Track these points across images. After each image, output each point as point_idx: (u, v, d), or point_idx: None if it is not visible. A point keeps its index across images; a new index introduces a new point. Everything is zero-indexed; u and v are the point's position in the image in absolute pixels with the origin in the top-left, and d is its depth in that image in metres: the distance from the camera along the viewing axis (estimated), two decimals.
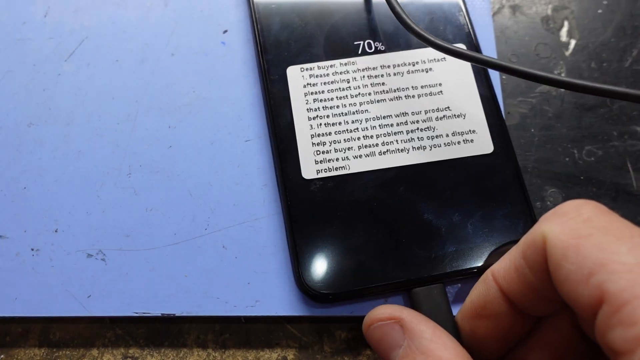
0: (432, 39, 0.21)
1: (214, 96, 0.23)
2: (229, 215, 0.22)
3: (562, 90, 0.24)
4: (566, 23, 0.25)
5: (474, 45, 0.23)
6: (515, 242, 0.16)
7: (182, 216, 0.22)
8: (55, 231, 0.21)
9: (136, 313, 0.20)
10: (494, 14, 0.25)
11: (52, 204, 0.22)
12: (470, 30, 0.24)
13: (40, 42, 0.24)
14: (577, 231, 0.13)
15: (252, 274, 0.21)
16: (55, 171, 0.22)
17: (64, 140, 0.23)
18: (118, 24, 0.25)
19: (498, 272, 0.16)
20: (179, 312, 0.20)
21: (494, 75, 0.24)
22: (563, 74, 0.24)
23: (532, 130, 0.24)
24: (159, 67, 0.24)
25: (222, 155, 0.23)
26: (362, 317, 0.18)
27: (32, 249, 0.21)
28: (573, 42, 0.25)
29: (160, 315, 0.20)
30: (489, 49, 0.24)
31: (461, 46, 0.23)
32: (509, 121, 0.24)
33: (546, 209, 0.22)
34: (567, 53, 0.25)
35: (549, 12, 0.26)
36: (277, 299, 0.20)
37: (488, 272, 0.16)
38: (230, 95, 0.23)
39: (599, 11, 0.26)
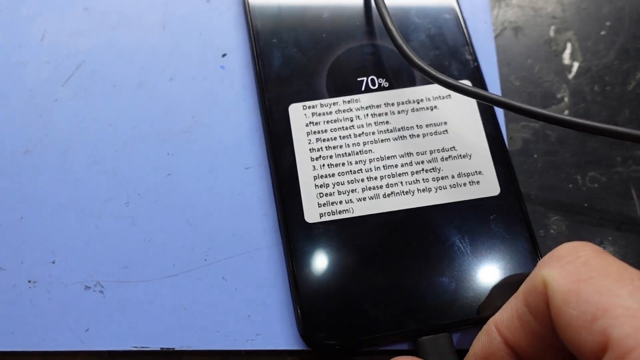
0: (440, 76, 0.20)
1: (213, 122, 0.23)
2: (228, 246, 0.21)
3: (566, 113, 0.24)
4: (569, 45, 0.25)
5: (477, 75, 0.23)
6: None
7: (181, 246, 0.21)
8: (53, 262, 0.21)
9: (135, 347, 0.20)
10: (496, 36, 0.25)
11: (50, 234, 0.22)
12: (472, 58, 0.23)
13: (37, 66, 0.24)
14: (576, 275, 0.13)
15: (252, 307, 0.20)
16: (53, 200, 0.22)
17: (61, 168, 0.22)
18: (115, 47, 0.24)
19: (501, 322, 0.15)
20: (178, 346, 0.20)
21: None
22: (566, 98, 0.24)
23: (535, 156, 0.23)
24: (157, 92, 0.24)
25: (221, 184, 0.22)
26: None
27: (29, 281, 0.21)
28: (576, 65, 0.25)
29: (159, 349, 0.20)
30: (491, 73, 0.24)
31: (466, 81, 0.23)
32: (511, 146, 0.23)
33: (550, 237, 0.22)
34: (570, 76, 0.25)
35: (552, 34, 0.25)
36: (278, 332, 0.20)
37: (490, 323, 0.16)
38: (229, 121, 0.23)
39: (602, 33, 0.25)
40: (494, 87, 0.24)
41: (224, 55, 0.24)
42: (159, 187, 0.22)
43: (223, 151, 0.23)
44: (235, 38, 0.25)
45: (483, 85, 0.23)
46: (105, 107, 0.23)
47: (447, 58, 0.23)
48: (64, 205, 0.22)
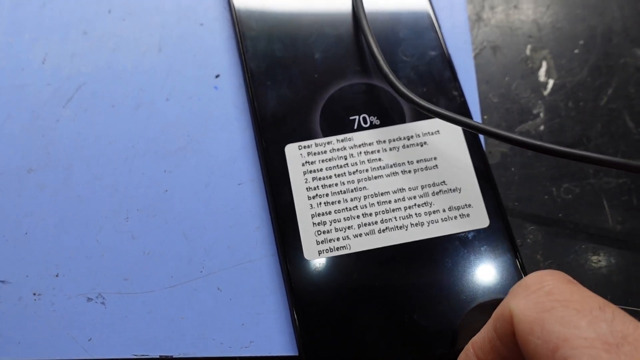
0: (435, 108, 0.22)
1: (208, 140, 0.24)
2: (223, 258, 0.23)
3: (541, 128, 0.25)
4: (544, 63, 0.27)
5: (463, 110, 0.24)
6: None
7: (179, 259, 0.23)
8: (57, 276, 0.22)
9: (135, 355, 0.21)
10: (476, 55, 0.27)
11: (53, 249, 0.23)
12: (459, 93, 0.24)
13: (39, 88, 0.25)
14: (540, 305, 0.14)
15: (246, 316, 0.22)
16: (56, 216, 0.23)
17: (63, 185, 0.24)
18: (114, 69, 0.26)
19: (476, 343, 0.17)
20: (176, 354, 0.21)
21: (476, 116, 0.25)
22: (542, 114, 0.26)
23: (513, 169, 0.25)
24: (154, 111, 0.25)
25: (216, 198, 0.23)
26: None
27: (34, 294, 0.22)
28: (551, 82, 0.26)
29: (158, 357, 0.21)
30: (470, 90, 0.25)
31: (452, 112, 0.23)
32: (490, 160, 0.25)
33: (526, 246, 0.23)
34: (546, 93, 0.26)
35: (528, 52, 0.27)
36: (271, 339, 0.21)
37: (469, 343, 0.17)
38: (223, 138, 0.24)
39: (576, 51, 0.27)
40: (474, 105, 0.25)
41: (217, 76, 0.26)
42: (157, 203, 0.23)
43: (217, 168, 0.24)
44: (227, 60, 0.26)
45: (467, 115, 0.24)
46: (105, 127, 0.25)
47: (434, 95, 0.24)
48: (66, 220, 0.23)
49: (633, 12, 0.27)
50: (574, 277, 0.22)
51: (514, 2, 0.28)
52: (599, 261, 0.23)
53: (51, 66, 0.26)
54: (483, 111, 0.25)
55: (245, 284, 0.22)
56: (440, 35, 0.25)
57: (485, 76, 0.26)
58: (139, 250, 0.23)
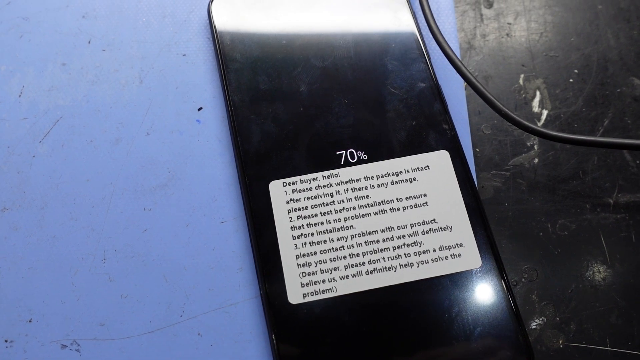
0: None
1: (189, 176, 0.23)
2: (204, 301, 0.22)
3: (535, 161, 0.24)
4: (538, 93, 0.26)
5: (454, 144, 0.23)
6: None
7: (158, 303, 0.22)
8: (30, 321, 0.21)
9: None
10: (467, 86, 0.26)
11: (26, 293, 0.22)
12: (449, 127, 0.23)
13: (15, 123, 0.24)
14: None
15: None
16: (30, 258, 0.22)
17: (38, 225, 0.23)
18: (92, 102, 0.25)
19: None
20: None
21: (467, 149, 0.24)
22: (536, 146, 0.25)
23: (506, 204, 0.24)
24: (134, 147, 0.24)
25: (197, 238, 0.23)
26: None
27: (6, 341, 0.21)
28: (545, 113, 0.25)
29: None
30: (461, 122, 0.25)
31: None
32: (482, 195, 0.24)
33: (522, 286, 0.22)
34: (540, 124, 0.25)
35: (521, 82, 0.26)
36: None
37: None
38: (205, 175, 0.24)
39: (570, 80, 0.26)
40: (465, 137, 0.24)
41: (200, 109, 0.25)
42: (135, 243, 0.22)
43: (199, 205, 0.23)
44: (210, 92, 0.25)
45: (461, 154, 0.23)
46: (83, 163, 0.24)
47: (424, 128, 0.23)
48: (40, 262, 0.22)
49: (629, 40, 0.27)
50: (572, 318, 0.22)
51: (506, 30, 0.27)
52: (598, 302, 0.22)
53: (28, 99, 0.25)
54: (475, 144, 0.25)
55: (227, 329, 0.21)
56: (429, 66, 0.25)
57: (477, 107, 0.25)
58: (116, 293, 0.22)
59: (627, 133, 0.25)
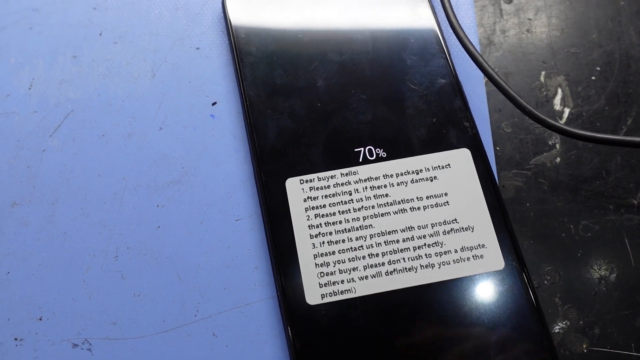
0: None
1: (203, 172, 0.23)
2: (219, 300, 0.21)
3: (557, 160, 0.24)
4: (559, 91, 0.25)
5: (475, 142, 0.23)
6: None
7: (171, 301, 0.21)
8: (40, 319, 0.21)
9: None
10: (487, 82, 0.25)
11: (37, 290, 0.21)
12: (470, 124, 0.23)
13: (25, 116, 0.24)
14: None
15: None
16: (40, 254, 0.22)
17: (48, 221, 0.22)
18: (104, 96, 0.24)
19: None
20: None
21: (488, 148, 0.24)
22: (558, 145, 0.24)
23: (528, 205, 0.23)
24: (147, 142, 0.23)
25: (211, 236, 0.22)
26: None
27: (16, 339, 0.20)
28: (567, 111, 0.25)
29: None
30: (482, 119, 0.24)
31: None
32: (503, 195, 0.23)
33: (544, 288, 0.22)
34: (562, 122, 0.25)
35: (542, 79, 0.25)
36: None
37: None
38: (219, 171, 0.23)
39: (592, 78, 0.25)
40: (486, 135, 0.24)
41: (214, 103, 0.24)
42: (148, 240, 0.22)
43: (213, 202, 0.22)
44: (225, 86, 0.24)
45: (482, 152, 0.22)
46: (94, 158, 0.23)
47: (444, 125, 0.23)
48: (51, 259, 0.22)
49: None
50: (596, 322, 0.21)
51: (526, 26, 0.26)
52: (622, 305, 0.22)
53: (38, 93, 0.24)
54: (495, 142, 0.24)
55: (243, 330, 0.21)
56: (450, 62, 0.24)
57: (497, 104, 0.25)
58: (129, 291, 0.21)
59: None
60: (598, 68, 0.26)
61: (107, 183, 0.23)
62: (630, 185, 0.23)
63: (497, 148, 0.24)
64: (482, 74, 0.25)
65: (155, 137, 0.23)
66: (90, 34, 0.25)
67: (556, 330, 0.21)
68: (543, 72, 0.26)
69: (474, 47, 0.23)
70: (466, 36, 0.23)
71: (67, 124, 0.24)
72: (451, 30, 0.24)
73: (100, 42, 0.25)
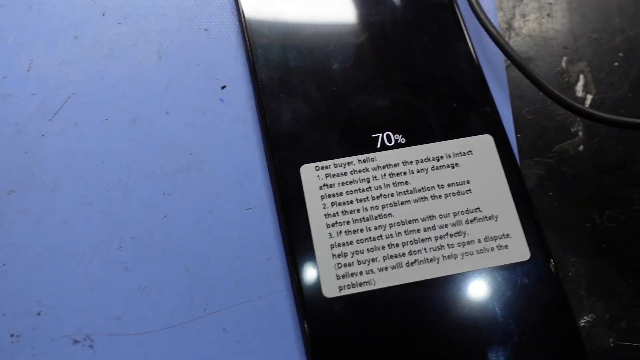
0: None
1: (213, 159, 0.22)
2: (230, 293, 0.20)
3: (580, 148, 0.23)
4: (581, 77, 0.24)
5: (498, 126, 0.22)
6: None
7: (179, 295, 0.20)
8: (38, 314, 0.19)
9: None
10: (507, 67, 0.24)
11: (35, 283, 0.20)
12: (492, 109, 0.22)
13: (23, 99, 0.23)
14: None
15: None
16: (39, 245, 0.20)
17: (48, 210, 0.21)
18: (107, 78, 0.23)
19: None
20: None
21: (510, 134, 0.23)
22: (580, 132, 0.23)
23: (550, 194, 0.22)
24: (153, 127, 0.22)
25: (221, 225, 0.21)
26: None
27: (12, 335, 0.19)
28: (589, 97, 0.24)
29: None
30: (503, 105, 0.23)
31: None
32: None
33: (568, 280, 0.21)
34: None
35: (564, 65, 0.24)
36: None
37: None
38: (229, 158, 0.22)
39: (615, 64, 0.24)
40: (507, 122, 0.23)
41: (223, 87, 0.23)
42: (154, 230, 0.21)
43: (223, 191, 0.21)
44: (235, 69, 0.23)
45: (505, 139, 0.21)
46: (97, 143, 0.22)
47: (466, 110, 0.22)
48: (50, 250, 0.20)
49: None
50: (622, 315, 0.20)
51: (546, 10, 0.25)
52: None
53: (37, 74, 0.23)
54: (517, 129, 0.23)
55: (255, 325, 0.19)
56: (471, 45, 0.23)
57: (518, 90, 0.24)
58: (134, 284, 0.20)
59: None
60: (621, 54, 0.25)
61: (111, 170, 0.22)
62: None
63: (519, 135, 0.23)
64: (502, 59, 0.24)
65: (162, 121, 0.22)
66: (93, 14, 0.24)
67: (582, 324, 0.20)
68: (565, 58, 0.25)
69: (497, 30, 0.22)
70: (488, 18, 0.22)
71: (68, 107, 0.22)
72: (472, 13, 0.23)
73: (104, 23, 0.24)
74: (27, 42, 0.23)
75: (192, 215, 0.21)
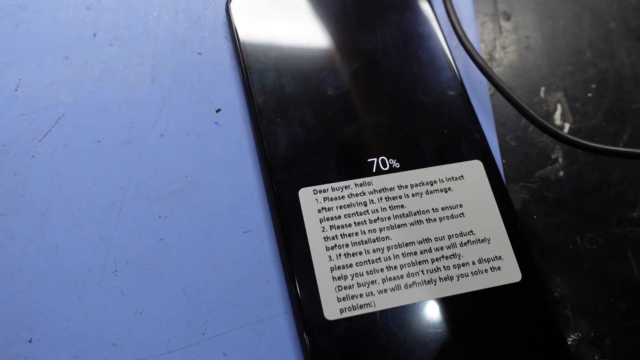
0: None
1: (209, 182, 0.22)
2: (229, 318, 0.20)
3: (561, 174, 0.24)
4: (559, 106, 0.26)
5: (487, 153, 0.23)
6: None
7: (177, 319, 0.20)
8: (30, 341, 0.19)
9: None
10: (491, 95, 0.25)
11: (26, 309, 0.19)
12: (480, 136, 0.23)
13: (11, 120, 0.22)
14: None
15: None
16: (29, 269, 0.20)
17: (38, 233, 0.20)
18: (99, 99, 0.23)
19: None
20: None
21: (496, 160, 0.24)
22: (560, 159, 0.24)
23: (535, 217, 0.23)
24: (147, 149, 0.22)
25: (219, 249, 0.21)
26: None
27: None
28: (567, 126, 0.25)
29: None
30: (489, 132, 0.24)
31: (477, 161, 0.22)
32: None
33: (554, 300, 0.22)
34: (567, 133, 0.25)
35: (542, 94, 0.26)
36: None
37: None
38: (225, 181, 0.22)
39: (589, 95, 0.26)
40: (494, 147, 0.24)
41: (218, 110, 0.23)
42: (150, 253, 0.20)
43: (220, 213, 0.21)
44: (229, 93, 0.23)
45: (493, 164, 0.22)
46: (89, 165, 0.22)
47: (456, 137, 0.23)
48: (42, 274, 0.20)
49: None
50: (606, 333, 0.21)
51: (524, 43, 0.27)
52: (630, 317, 0.22)
53: (26, 94, 0.22)
54: (502, 155, 0.24)
55: (255, 348, 0.19)
56: (458, 75, 0.24)
57: (501, 118, 0.25)
58: (130, 309, 0.20)
59: None
60: (594, 85, 0.26)
61: (104, 192, 0.21)
62: (630, 198, 0.24)
63: (504, 161, 0.24)
64: (486, 89, 0.25)
65: (156, 144, 0.22)
66: (84, 35, 0.24)
67: (569, 342, 0.21)
68: (543, 88, 0.26)
69: (482, 59, 0.23)
70: (474, 49, 0.23)
71: (59, 128, 0.22)
72: (457, 44, 0.24)
73: (95, 44, 0.24)
74: (14, 61, 0.23)
75: (188, 238, 0.21)
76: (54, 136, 0.22)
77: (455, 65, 0.24)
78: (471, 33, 0.26)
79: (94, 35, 0.24)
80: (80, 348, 0.19)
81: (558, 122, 0.25)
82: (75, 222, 0.21)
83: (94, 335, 0.19)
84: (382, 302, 0.20)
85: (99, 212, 0.21)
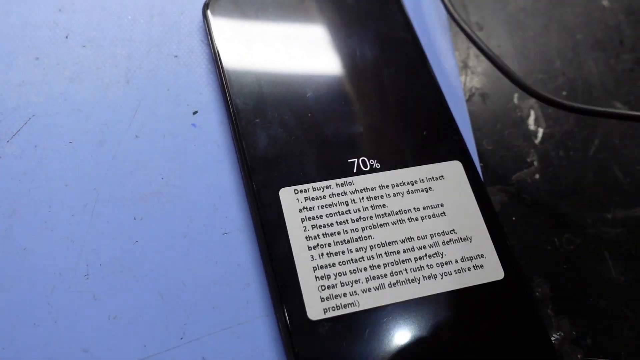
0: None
1: (186, 184, 0.21)
2: (208, 321, 0.19)
3: (537, 177, 0.24)
4: (532, 112, 0.26)
5: (459, 141, 0.23)
6: None
7: (153, 323, 0.19)
8: None
9: None
10: (467, 101, 0.26)
11: None
12: (458, 137, 0.23)
13: None
14: None
15: None
16: None
17: (4, 236, 0.19)
18: (71, 100, 0.22)
19: None
20: None
21: (475, 162, 0.24)
22: (535, 162, 0.25)
23: (514, 219, 0.23)
24: (121, 150, 0.21)
25: (196, 251, 0.20)
26: None
27: None
28: (541, 131, 0.26)
29: None
30: (467, 137, 0.24)
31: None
32: None
33: (537, 300, 0.22)
34: (537, 141, 0.25)
35: (516, 101, 0.26)
36: None
37: None
38: (203, 182, 0.21)
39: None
40: (472, 150, 0.24)
41: (195, 112, 0.23)
42: (125, 256, 0.20)
43: (197, 215, 0.21)
44: (206, 95, 0.23)
45: (472, 165, 0.22)
46: (60, 166, 0.21)
47: (437, 138, 0.23)
48: (8, 279, 0.19)
49: (607, 68, 0.28)
50: (587, 332, 0.21)
51: (496, 52, 0.27)
52: (609, 316, 0.22)
53: None
54: (480, 158, 0.24)
55: (235, 352, 0.19)
56: (435, 78, 0.24)
57: (477, 123, 0.25)
58: (103, 314, 0.19)
59: (616, 152, 0.26)
60: (564, 92, 0.27)
61: (76, 194, 0.20)
62: (604, 200, 0.24)
63: (482, 164, 0.24)
64: (463, 93, 0.26)
65: (131, 145, 0.21)
66: (56, 36, 0.23)
67: (552, 341, 0.21)
68: (516, 95, 0.26)
69: (475, 34, 0.24)
70: (464, 20, 0.24)
71: (28, 129, 0.21)
72: (430, 50, 0.25)
73: (67, 45, 0.23)
74: None
75: (165, 240, 0.20)
76: (23, 137, 0.21)
77: (433, 71, 0.25)
78: (445, 41, 0.27)
79: (66, 37, 0.23)
80: (49, 356, 0.18)
81: (532, 127, 0.26)
82: (44, 224, 0.20)
83: (64, 342, 0.18)
84: (366, 302, 0.19)
85: (70, 214, 0.20)
